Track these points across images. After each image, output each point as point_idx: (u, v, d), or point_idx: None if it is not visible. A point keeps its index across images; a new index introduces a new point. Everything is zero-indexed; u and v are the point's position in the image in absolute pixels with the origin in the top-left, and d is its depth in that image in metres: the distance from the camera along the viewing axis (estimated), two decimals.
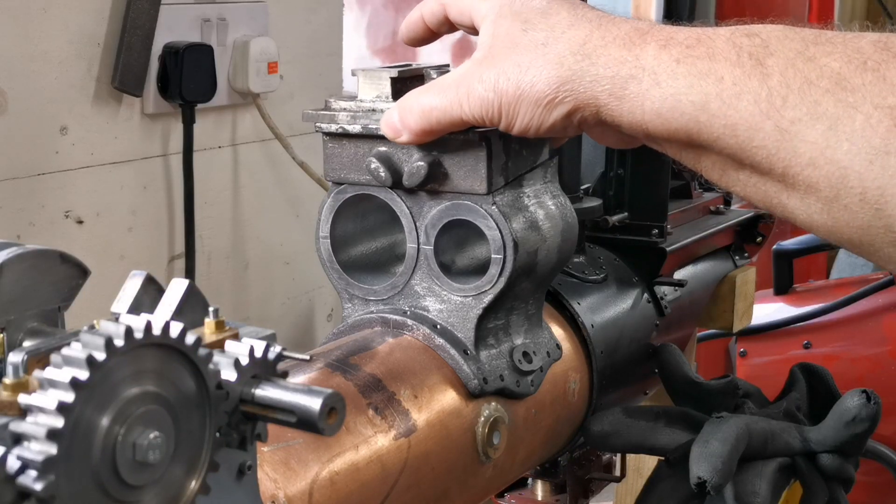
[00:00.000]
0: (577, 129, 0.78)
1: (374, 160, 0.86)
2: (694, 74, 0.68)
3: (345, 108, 0.88)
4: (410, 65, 0.89)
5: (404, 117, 0.82)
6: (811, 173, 0.65)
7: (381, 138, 0.86)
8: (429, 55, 2.51)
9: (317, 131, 0.90)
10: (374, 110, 0.87)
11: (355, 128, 0.87)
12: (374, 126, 0.86)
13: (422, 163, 0.85)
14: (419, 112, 0.81)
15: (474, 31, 0.85)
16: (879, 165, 0.62)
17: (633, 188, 1.19)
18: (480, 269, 0.89)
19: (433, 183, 0.86)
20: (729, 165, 0.70)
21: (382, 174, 0.86)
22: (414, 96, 0.82)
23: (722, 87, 0.67)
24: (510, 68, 0.76)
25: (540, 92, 0.75)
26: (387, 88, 0.87)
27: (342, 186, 0.90)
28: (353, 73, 0.89)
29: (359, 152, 0.88)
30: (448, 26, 0.88)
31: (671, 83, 0.69)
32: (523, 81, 0.76)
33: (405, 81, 0.86)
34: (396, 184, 0.86)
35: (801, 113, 0.64)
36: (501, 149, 0.85)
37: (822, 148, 0.64)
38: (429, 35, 0.90)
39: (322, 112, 0.89)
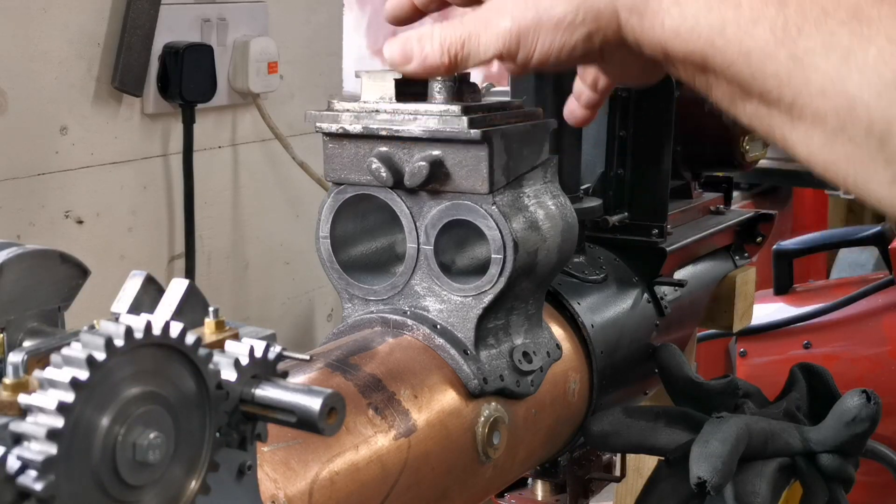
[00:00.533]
0: (597, 56, 0.77)
1: (375, 160, 0.86)
2: None
3: (348, 109, 0.88)
4: None
5: (422, 44, 0.78)
6: (820, 104, 0.66)
7: (382, 138, 0.86)
8: None
9: (317, 131, 0.90)
10: (377, 111, 0.87)
11: (356, 127, 0.87)
12: (375, 126, 0.86)
13: (423, 163, 0.84)
14: (437, 42, 0.77)
15: (469, 1, 0.83)
16: (888, 98, 0.63)
17: (633, 188, 1.19)
18: (480, 269, 0.89)
19: (434, 183, 0.86)
20: (738, 95, 0.71)
21: (384, 174, 0.86)
22: (432, 27, 0.78)
23: (739, 13, 0.68)
24: None
25: (560, 13, 0.74)
26: (390, 90, 0.87)
27: (342, 186, 0.90)
28: (357, 75, 0.89)
29: (359, 152, 0.88)
30: (437, 3, 0.86)
31: (691, 3, 0.70)
32: (541, 5, 0.74)
33: (409, 83, 0.86)
34: (398, 184, 0.86)
35: (815, 43, 0.65)
36: (503, 148, 0.85)
37: (833, 78, 0.65)
38: (415, 13, 0.87)
39: (325, 112, 0.89)
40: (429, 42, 0.78)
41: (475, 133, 0.83)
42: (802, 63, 0.66)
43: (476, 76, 1.00)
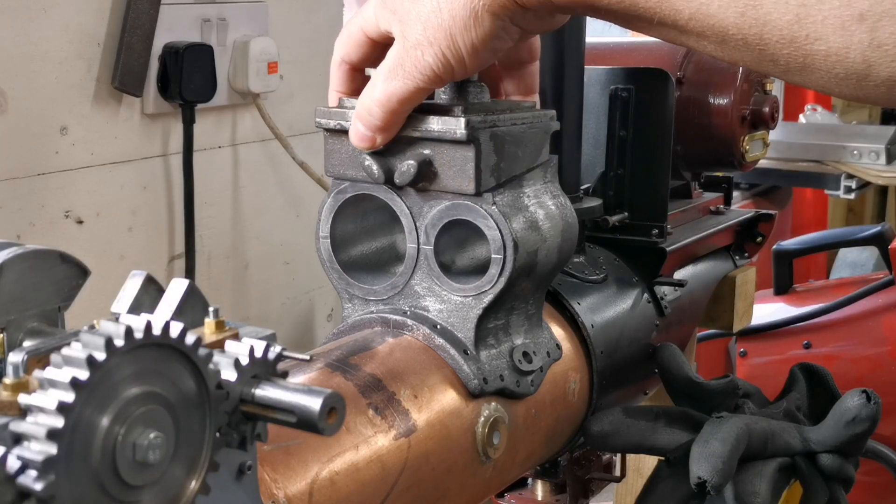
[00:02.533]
0: (515, 29, 0.81)
1: (367, 157, 0.87)
2: None
3: (355, 107, 0.88)
4: None
5: (367, 121, 0.84)
6: (695, 25, 0.71)
7: None
8: None
9: (318, 128, 0.91)
10: None
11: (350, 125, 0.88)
12: None
13: (412, 161, 0.85)
14: (378, 108, 0.82)
15: (381, 55, 0.86)
16: (751, 17, 0.68)
17: (633, 188, 1.19)
18: (480, 269, 0.89)
19: (424, 182, 0.86)
20: (630, 21, 0.76)
21: (375, 171, 0.86)
22: (365, 98, 0.83)
23: None
24: (426, 18, 0.80)
25: (462, 16, 0.78)
26: None
27: (343, 186, 0.91)
28: (366, 74, 0.90)
29: (357, 149, 0.88)
30: (361, 79, 0.90)
31: None
32: (444, 19, 0.79)
33: None
34: (389, 181, 0.87)
35: None
36: (492, 149, 0.85)
37: (697, 5, 0.70)
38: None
39: (335, 109, 0.89)
40: (367, 115, 0.83)
41: (461, 133, 0.83)
42: None
43: None
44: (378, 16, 0.84)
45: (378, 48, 0.87)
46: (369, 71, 0.89)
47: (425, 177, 0.86)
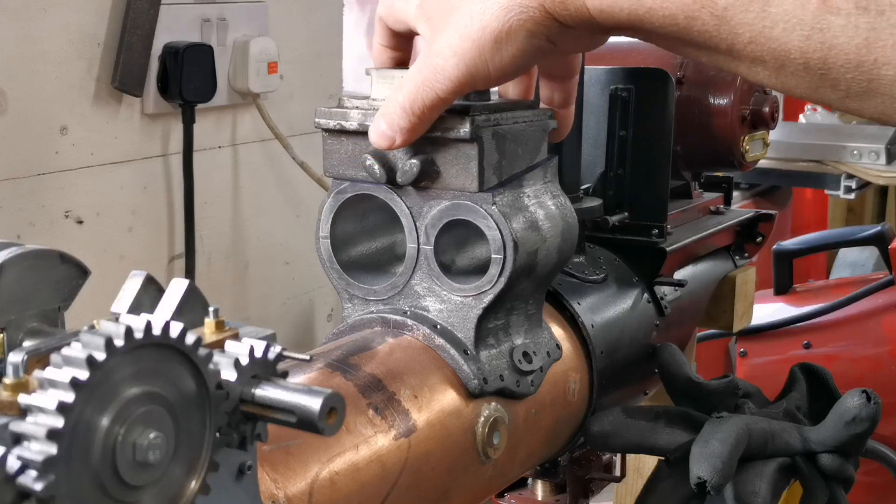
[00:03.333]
0: (550, 46, 0.79)
1: (369, 157, 0.87)
2: None
3: (357, 107, 0.88)
4: None
5: (390, 121, 0.83)
6: (754, 49, 0.69)
7: None
8: None
9: (317, 128, 0.91)
10: None
11: (352, 124, 0.87)
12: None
13: (414, 160, 0.85)
14: (400, 111, 0.82)
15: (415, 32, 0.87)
16: (816, 41, 0.66)
17: (633, 188, 1.19)
18: (480, 269, 0.89)
19: (426, 181, 0.86)
20: (678, 45, 0.74)
21: (377, 171, 0.86)
22: (390, 100, 0.83)
23: None
24: (459, 28, 0.78)
25: (495, 30, 0.77)
26: None
27: (342, 186, 0.91)
28: (367, 73, 0.90)
29: (356, 149, 0.88)
30: (399, 40, 0.90)
31: None
32: (475, 31, 0.77)
33: None
34: (391, 181, 0.87)
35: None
36: (494, 147, 0.85)
37: (759, 28, 0.68)
38: (399, 59, 0.92)
39: (335, 109, 0.89)
40: (392, 115, 0.82)
41: (464, 132, 0.83)
42: (725, 19, 0.69)
43: None
44: (417, 17, 0.83)
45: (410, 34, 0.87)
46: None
47: (427, 176, 0.86)
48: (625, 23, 0.74)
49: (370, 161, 0.87)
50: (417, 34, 0.87)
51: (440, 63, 0.79)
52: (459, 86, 0.80)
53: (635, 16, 0.72)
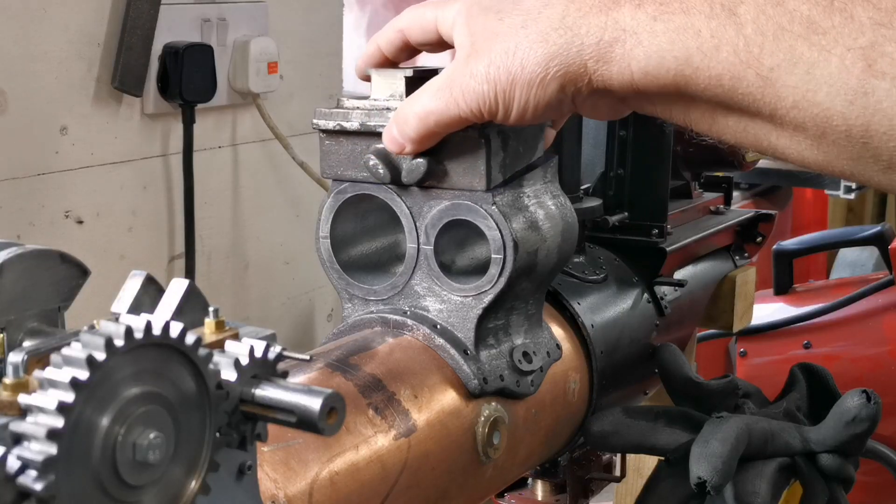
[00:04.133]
0: (570, 105, 0.79)
1: (372, 157, 0.86)
2: (672, 30, 0.71)
3: (358, 107, 0.88)
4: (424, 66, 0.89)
5: (402, 129, 0.82)
6: (797, 115, 0.68)
7: (380, 135, 0.86)
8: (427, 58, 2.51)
9: (314, 129, 0.90)
10: (388, 109, 0.87)
11: (353, 124, 0.87)
12: (373, 123, 0.86)
13: (421, 160, 0.85)
14: (415, 120, 0.81)
15: (438, 47, 0.86)
16: (860, 105, 0.65)
17: (633, 188, 1.19)
18: (480, 269, 0.89)
19: (432, 180, 0.86)
20: (718, 113, 0.73)
21: (381, 171, 0.86)
22: (408, 105, 0.82)
23: (701, 41, 0.70)
24: (498, 56, 0.77)
25: (532, 72, 0.76)
26: (401, 87, 0.87)
27: (342, 186, 0.90)
28: (368, 72, 0.89)
29: (356, 149, 0.88)
30: (407, 53, 0.89)
31: (652, 41, 0.72)
32: (513, 65, 0.76)
33: (419, 81, 0.86)
34: (395, 181, 0.87)
35: (778, 59, 0.67)
36: (500, 146, 0.85)
37: (803, 92, 0.67)
38: (388, 66, 0.90)
39: (336, 110, 0.89)
40: (403, 123, 0.82)
41: (473, 131, 0.83)
42: (770, 80, 0.68)
43: None
44: (456, 25, 0.82)
45: (439, 46, 0.86)
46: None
47: (433, 175, 0.85)
48: (670, 86, 0.72)
49: (374, 161, 0.86)
50: (445, 47, 0.86)
51: (473, 86, 0.78)
52: (482, 114, 0.79)
53: (681, 76, 0.71)
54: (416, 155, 0.85)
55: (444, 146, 0.85)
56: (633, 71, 0.73)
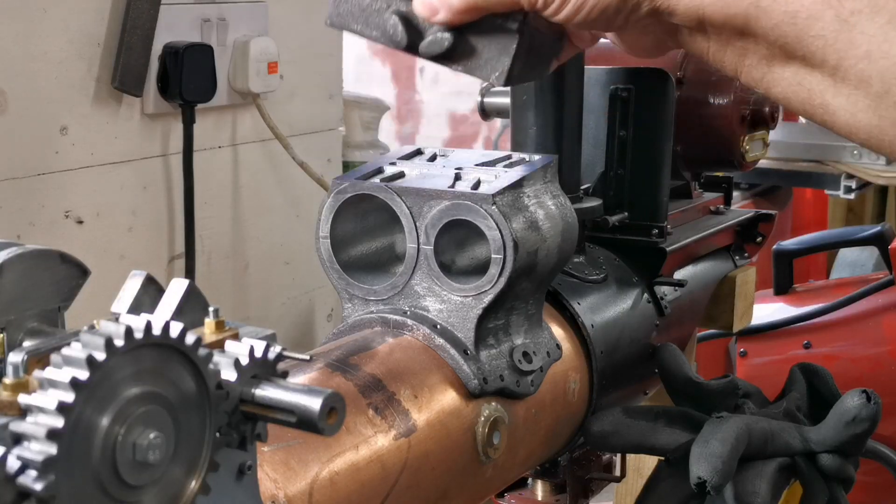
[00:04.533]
0: (622, 21, 0.75)
1: (394, 17, 0.81)
2: None
3: None
4: None
5: None
6: (865, 66, 0.66)
7: None
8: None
9: None
10: None
11: None
12: None
13: (447, 34, 0.79)
14: None
15: None
16: None
17: (633, 188, 1.19)
18: (480, 269, 0.89)
19: (450, 59, 0.80)
20: (777, 58, 0.70)
21: (399, 33, 0.80)
22: None
23: None
24: None
25: None
26: None
27: (342, 186, 0.90)
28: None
29: (375, 4, 0.82)
30: None
31: None
32: None
33: None
34: (410, 47, 0.80)
35: (861, 5, 0.66)
36: (526, 48, 0.79)
37: (879, 41, 0.65)
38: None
39: None
40: None
41: (511, 22, 0.77)
42: (848, 24, 0.66)
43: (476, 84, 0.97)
44: None
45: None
46: None
47: (454, 55, 0.79)
48: (739, 17, 0.69)
49: (394, 20, 0.80)
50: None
51: None
52: (538, 4, 0.75)
53: (754, 7, 0.68)
54: (445, 29, 0.79)
55: (474, 28, 0.79)
56: None
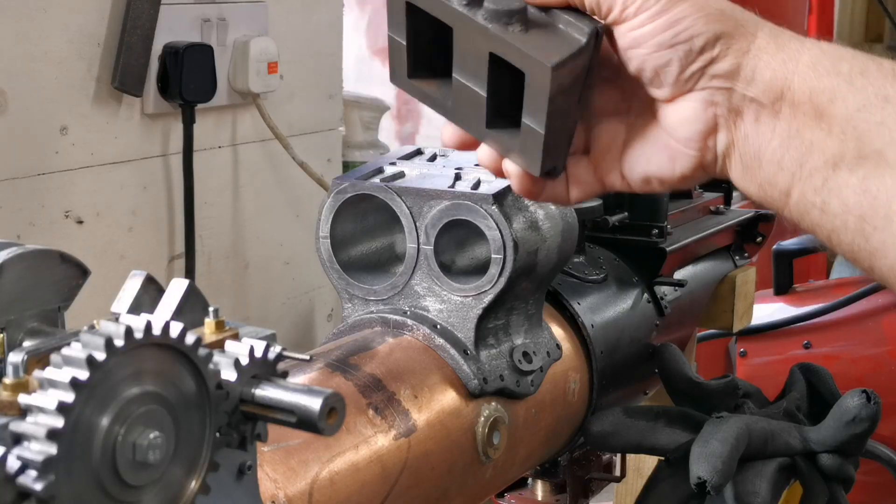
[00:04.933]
0: (690, 73, 0.67)
1: None
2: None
3: None
4: None
5: None
6: None
7: None
8: None
9: None
10: None
11: None
12: None
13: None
14: None
15: None
16: None
17: None
18: (480, 269, 0.89)
19: (514, 23, 0.71)
20: (847, 158, 0.65)
21: None
22: None
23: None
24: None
25: (698, 42, 0.66)
26: None
27: (342, 186, 0.90)
28: None
29: None
30: None
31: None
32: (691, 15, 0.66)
33: None
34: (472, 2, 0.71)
35: None
36: (581, 62, 0.72)
37: None
38: None
39: None
40: None
41: (585, 30, 0.71)
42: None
43: None
44: None
45: None
46: None
47: (519, 19, 0.71)
48: (827, 92, 0.64)
49: None
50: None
51: None
52: (620, 10, 0.68)
53: (848, 82, 0.64)
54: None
55: (552, 15, 0.72)
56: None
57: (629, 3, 0.68)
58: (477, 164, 0.92)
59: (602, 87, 0.73)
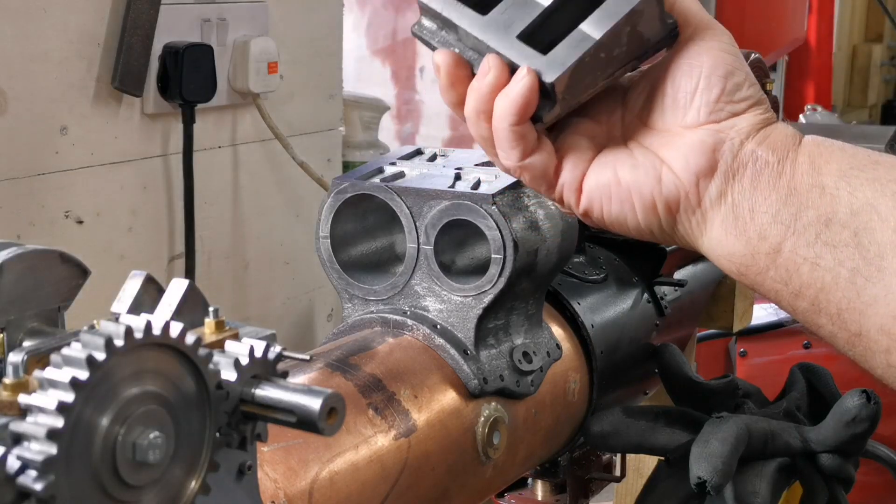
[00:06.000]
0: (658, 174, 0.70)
1: None
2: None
3: None
4: None
5: None
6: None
7: None
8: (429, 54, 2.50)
9: None
10: None
11: None
12: None
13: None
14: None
15: None
16: None
17: None
18: (480, 269, 0.89)
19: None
20: (832, 224, 0.69)
21: None
22: None
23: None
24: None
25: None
26: None
27: (342, 186, 0.90)
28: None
29: None
30: None
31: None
32: (700, 88, 0.69)
33: None
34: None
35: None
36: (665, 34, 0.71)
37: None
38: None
39: None
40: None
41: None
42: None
43: None
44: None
45: None
46: None
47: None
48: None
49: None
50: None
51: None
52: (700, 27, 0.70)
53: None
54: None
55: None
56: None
57: (719, 33, 0.70)
58: (478, 164, 0.92)
59: (607, 100, 0.73)
